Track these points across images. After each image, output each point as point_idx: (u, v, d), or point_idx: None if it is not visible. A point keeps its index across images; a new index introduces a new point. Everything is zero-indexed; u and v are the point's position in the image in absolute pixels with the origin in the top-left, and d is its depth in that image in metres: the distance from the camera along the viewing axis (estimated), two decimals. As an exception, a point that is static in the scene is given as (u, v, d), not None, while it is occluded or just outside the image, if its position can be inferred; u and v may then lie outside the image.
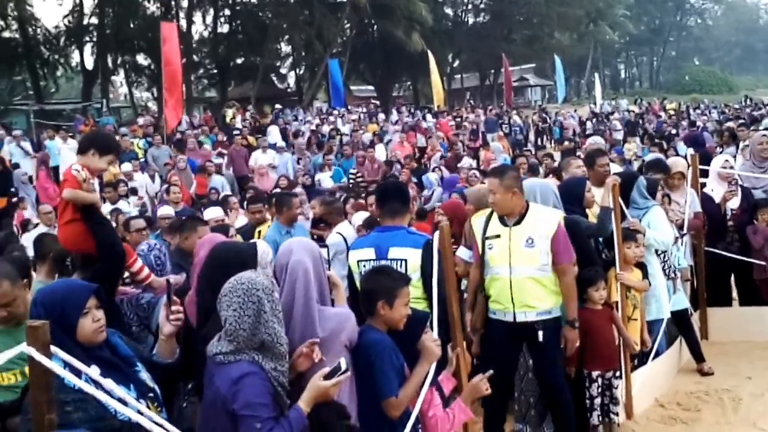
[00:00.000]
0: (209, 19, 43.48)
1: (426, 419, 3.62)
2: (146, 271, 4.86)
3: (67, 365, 2.60)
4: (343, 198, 9.21)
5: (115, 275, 4.42)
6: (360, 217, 7.14)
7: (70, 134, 19.48)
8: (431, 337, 3.66)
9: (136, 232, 6.39)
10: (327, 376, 2.97)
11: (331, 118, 27.07)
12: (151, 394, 2.98)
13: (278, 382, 2.93)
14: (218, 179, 13.48)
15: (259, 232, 7.30)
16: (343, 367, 3.00)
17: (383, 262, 4.39)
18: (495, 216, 5.05)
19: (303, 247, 3.54)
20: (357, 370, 3.36)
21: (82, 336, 2.83)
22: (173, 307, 3.22)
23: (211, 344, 2.98)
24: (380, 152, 18.55)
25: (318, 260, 3.50)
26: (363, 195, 9.59)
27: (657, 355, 6.14)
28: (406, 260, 4.37)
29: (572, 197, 5.69)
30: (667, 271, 6.37)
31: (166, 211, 8.57)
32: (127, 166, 14.14)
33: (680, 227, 6.83)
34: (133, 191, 12.53)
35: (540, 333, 4.88)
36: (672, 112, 34.18)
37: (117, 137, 18.55)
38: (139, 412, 2.68)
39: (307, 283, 3.37)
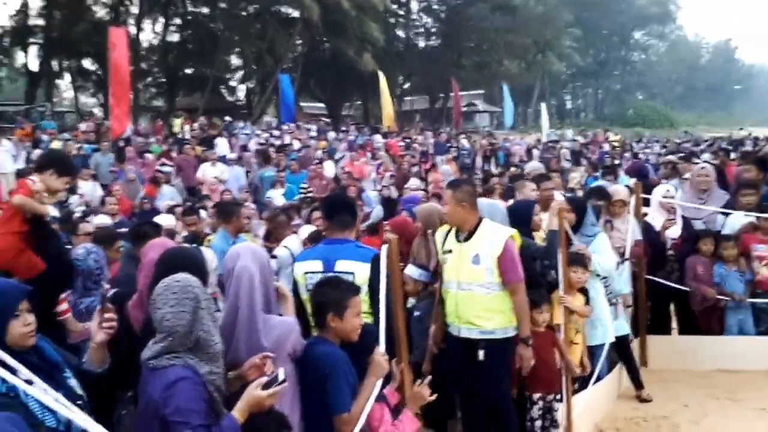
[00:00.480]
0: (159, 27, 43.12)
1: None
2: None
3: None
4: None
5: (59, 287, 4.32)
6: (307, 230, 7.07)
7: (8, 136, 18.95)
8: (379, 352, 3.61)
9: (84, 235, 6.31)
10: (265, 386, 2.91)
11: (278, 133, 26.77)
12: (80, 402, 2.86)
13: (214, 386, 2.87)
14: (168, 189, 13.12)
15: (209, 241, 7.19)
16: (281, 377, 2.94)
17: (330, 275, 4.32)
18: (453, 231, 5.09)
19: (250, 252, 3.48)
20: (304, 381, 3.29)
21: (11, 338, 2.71)
22: (106, 315, 3.10)
23: (146, 349, 2.91)
24: (329, 169, 18.49)
25: (265, 267, 3.44)
26: (310, 210, 9.51)
27: (598, 379, 6.18)
28: (353, 273, 4.31)
29: (521, 219, 5.72)
30: (608, 297, 6.44)
31: (101, 220, 8.38)
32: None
33: (621, 254, 6.91)
34: (72, 190, 11.96)
35: (480, 352, 4.90)
36: (615, 144, 34.87)
37: (59, 143, 18.21)
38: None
39: (252, 289, 3.30)
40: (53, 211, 5.49)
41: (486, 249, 4.89)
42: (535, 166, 8.43)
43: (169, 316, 2.84)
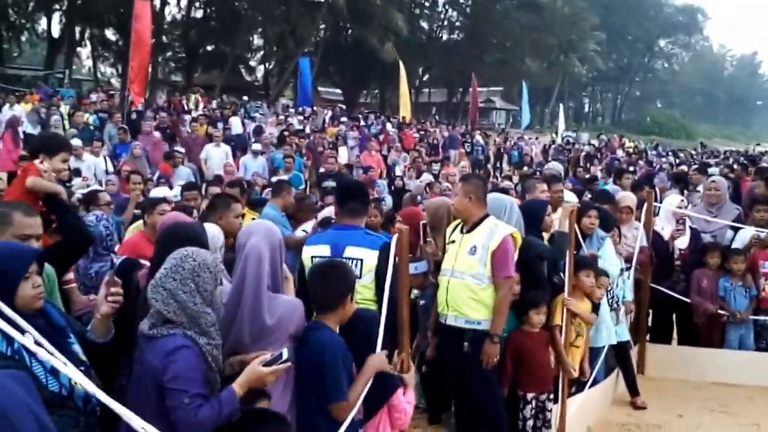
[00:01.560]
0: (183, 1, 43.07)
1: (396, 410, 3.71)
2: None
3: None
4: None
5: (74, 257, 4.38)
6: (329, 212, 7.09)
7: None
8: (383, 352, 3.69)
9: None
10: (267, 364, 2.94)
11: (295, 118, 26.53)
12: (83, 368, 2.88)
13: (212, 356, 2.91)
14: (185, 171, 12.33)
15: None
16: (285, 356, 2.97)
17: (331, 259, 4.36)
18: (460, 224, 5.19)
19: (263, 230, 3.49)
20: (301, 364, 3.32)
21: (21, 300, 2.74)
22: (113, 289, 3.10)
23: (143, 321, 2.95)
24: (342, 155, 18.48)
25: (276, 246, 3.46)
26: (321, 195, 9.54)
27: (594, 383, 6.20)
28: (362, 260, 4.34)
29: (532, 219, 5.71)
30: (610, 302, 6.46)
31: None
32: (76, 142, 12.53)
33: (627, 260, 6.92)
34: (77, 172, 11.23)
35: (465, 343, 4.97)
36: (630, 150, 34.81)
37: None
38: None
39: (259, 269, 3.32)
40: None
41: (484, 241, 4.97)
42: (554, 165, 8.39)
43: (180, 292, 2.91)
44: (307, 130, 22.53)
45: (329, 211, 7.05)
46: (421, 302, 5.84)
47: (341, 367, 3.37)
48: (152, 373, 2.83)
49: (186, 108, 25.42)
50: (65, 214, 4.32)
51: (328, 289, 3.53)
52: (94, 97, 23.34)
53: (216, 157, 14.00)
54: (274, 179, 12.45)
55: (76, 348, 2.94)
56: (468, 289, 4.98)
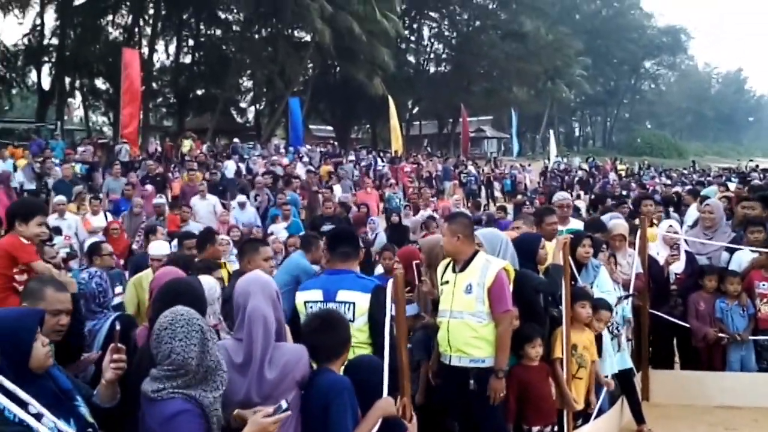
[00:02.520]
0: (172, 48, 43.58)
1: None
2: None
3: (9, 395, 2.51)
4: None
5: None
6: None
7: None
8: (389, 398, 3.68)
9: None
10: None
11: (285, 160, 26.21)
12: (90, 430, 2.92)
13: (216, 416, 2.93)
14: (195, 226, 10.89)
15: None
16: (284, 406, 3.02)
17: (331, 305, 4.39)
18: (451, 263, 5.19)
19: (259, 287, 3.49)
20: (307, 409, 3.35)
21: (35, 360, 2.77)
22: (115, 356, 3.11)
23: (147, 380, 2.94)
24: (338, 192, 18.52)
25: (275, 300, 3.49)
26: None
27: (599, 413, 6.18)
28: (354, 303, 4.37)
29: (526, 252, 5.76)
30: (610, 328, 6.45)
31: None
32: (59, 198, 12.04)
33: (624, 287, 6.94)
34: (57, 231, 10.31)
35: (471, 381, 4.97)
36: (623, 173, 35.00)
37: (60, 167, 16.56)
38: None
39: (267, 332, 3.35)
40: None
41: (478, 279, 4.98)
42: (563, 196, 8.42)
43: (178, 349, 2.87)
44: (301, 171, 22.58)
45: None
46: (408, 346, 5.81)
47: (347, 406, 3.38)
48: None
49: (179, 154, 25.45)
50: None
51: (332, 338, 3.58)
52: (81, 149, 22.34)
53: (204, 209, 13.44)
54: (271, 228, 12.46)
55: (83, 410, 2.96)
56: (469, 328, 4.99)
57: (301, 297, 4.60)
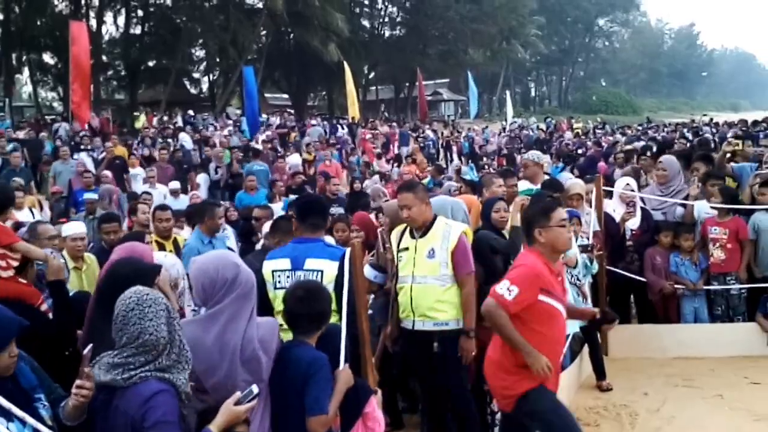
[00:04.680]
0: (121, 19, 42.51)
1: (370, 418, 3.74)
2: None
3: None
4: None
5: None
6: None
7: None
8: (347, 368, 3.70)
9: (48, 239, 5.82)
10: (239, 402, 3.00)
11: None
12: None
13: (185, 395, 2.90)
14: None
15: (175, 239, 7.21)
16: (255, 391, 3.05)
17: (299, 273, 4.37)
18: (408, 230, 5.21)
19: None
20: (284, 383, 3.37)
21: None
22: (78, 381, 2.87)
23: (104, 371, 2.83)
24: (294, 160, 18.41)
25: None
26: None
27: (561, 370, 6.27)
28: (322, 271, 4.36)
29: (485, 216, 5.91)
30: (570, 280, 6.51)
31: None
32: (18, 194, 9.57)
33: (583, 247, 7.01)
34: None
35: (435, 344, 5.03)
36: (579, 132, 35.26)
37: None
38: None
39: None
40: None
41: (441, 243, 5.03)
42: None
43: (150, 329, 2.80)
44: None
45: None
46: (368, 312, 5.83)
47: (326, 380, 3.42)
48: (130, 422, 2.75)
49: (133, 128, 24.95)
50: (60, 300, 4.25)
51: (315, 308, 3.59)
52: (21, 134, 21.24)
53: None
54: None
55: (43, 412, 2.88)
56: (432, 292, 5.03)
57: (268, 266, 4.55)
